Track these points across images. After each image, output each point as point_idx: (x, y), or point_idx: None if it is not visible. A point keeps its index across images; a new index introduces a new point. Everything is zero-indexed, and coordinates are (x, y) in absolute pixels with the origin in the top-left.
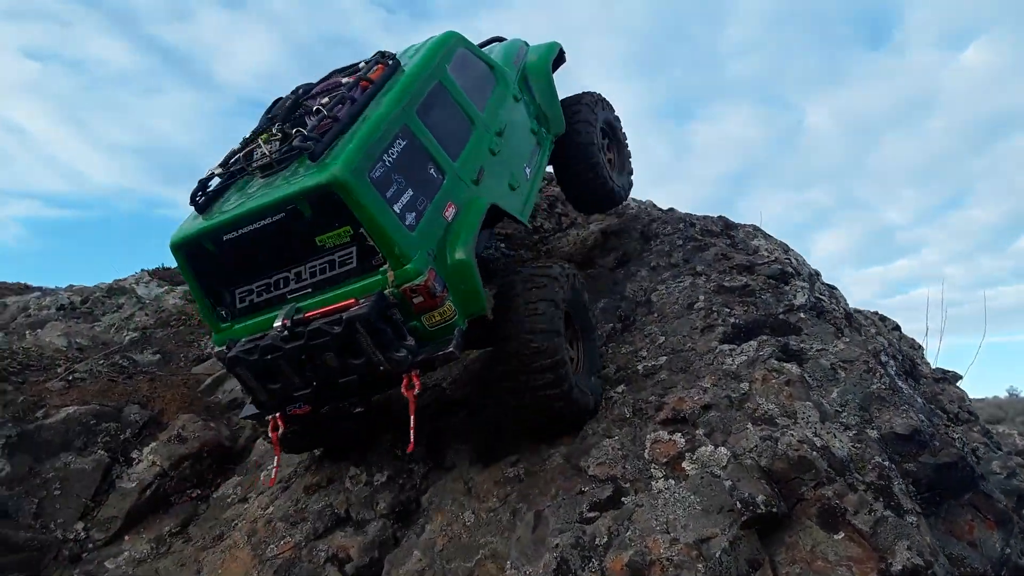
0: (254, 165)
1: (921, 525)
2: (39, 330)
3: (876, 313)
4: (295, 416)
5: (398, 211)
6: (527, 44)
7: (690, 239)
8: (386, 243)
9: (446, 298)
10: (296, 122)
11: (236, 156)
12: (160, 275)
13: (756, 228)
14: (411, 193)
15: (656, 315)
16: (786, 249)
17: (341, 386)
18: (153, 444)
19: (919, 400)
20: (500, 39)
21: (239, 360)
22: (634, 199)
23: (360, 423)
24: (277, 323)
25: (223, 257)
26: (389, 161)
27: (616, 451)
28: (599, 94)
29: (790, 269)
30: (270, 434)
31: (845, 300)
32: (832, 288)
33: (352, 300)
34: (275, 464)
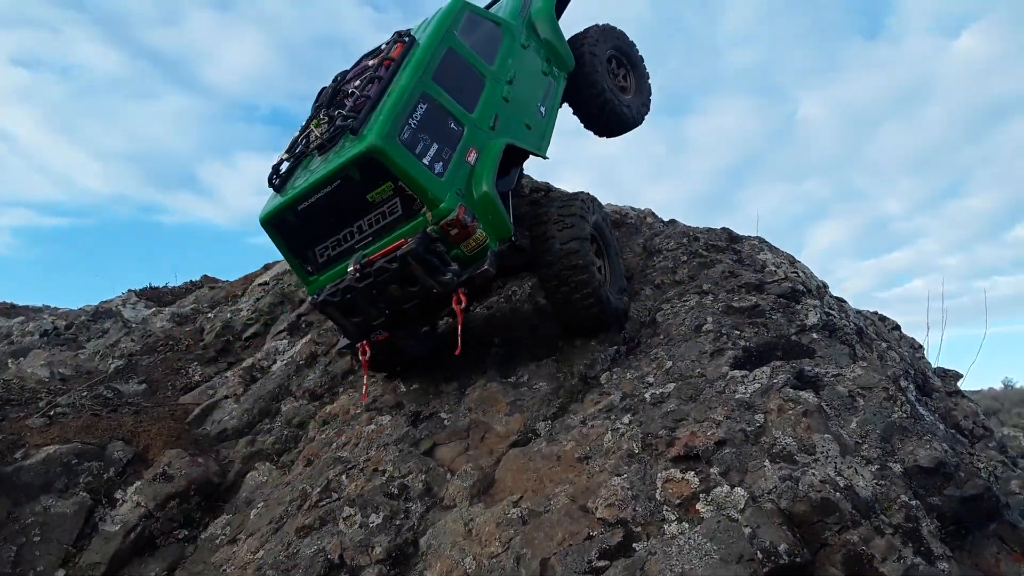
0: (311, 146)
1: (952, 572)
2: (22, 359)
3: (875, 313)
4: (378, 342)
5: (427, 163)
6: None
7: (695, 255)
8: (420, 190)
9: (477, 226)
10: (338, 105)
11: (296, 141)
12: (148, 295)
13: (761, 240)
14: (436, 146)
15: (662, 337)
16: (793, 261)
17: (406, 311)
18: (138, 483)
19: (941, 427)
20: None
21: (326, 303)
22: (631, 207)
23: (427, 343)
24: (350, 268)
25: (301, 224)
26: (414, 123)
27: (625, 491)
28: (607, 24)
29: (800, 287)
30: (360, 358)
31: (853, 312)
32: (841, 302)
33: (403, 240)
34: (364, 383)
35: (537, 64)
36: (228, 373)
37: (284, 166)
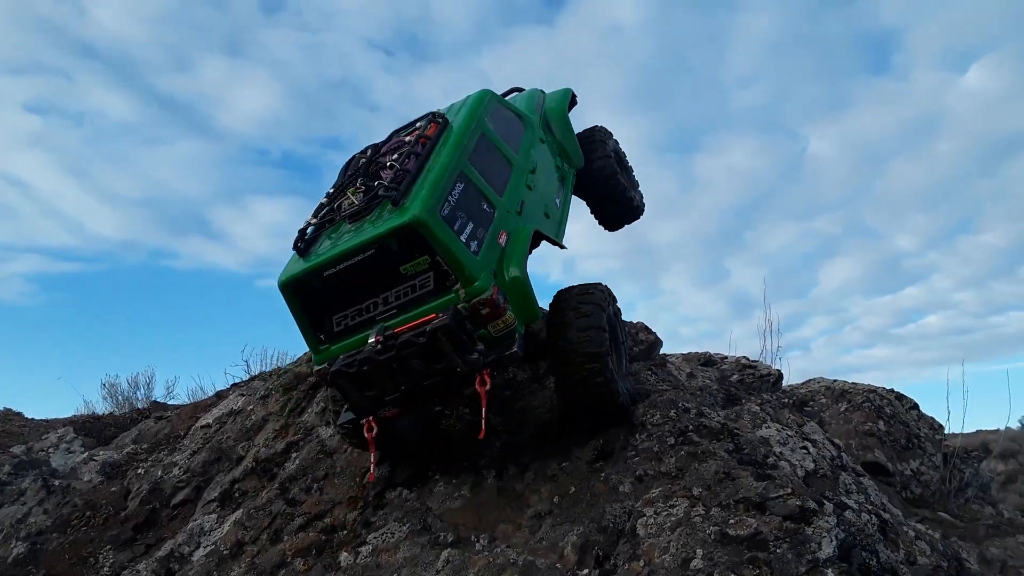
0: (344, 213)
1: None
2: None
3: (892, 391)
4: (385, 419)
5: (464, 240)
6: (543, 92)
7: (684, 438)
8: (458, 266)
9: (508, 308)
10: (373, 176)
11: (326, 208)
12: (88, 428)
13: (762, 406)
14: (472, 225)
15: (643, 564)
16: (803, 434)
17: (424, 388)
18: None
19: None
20: (519, 89)
21: (340, 373)
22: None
23: (432, 430)
24: (371, 340)
25: (323, 290)
26: (453, 201)
27: None
28: (604, 127)
29: (811, 504)
30: (366, 435)
31: (884, 501)
32: (863, 485)
33: (433, 315)
34: (372, 461)
35: (552, 158)
36: (141, 566)
37: (310, 231)
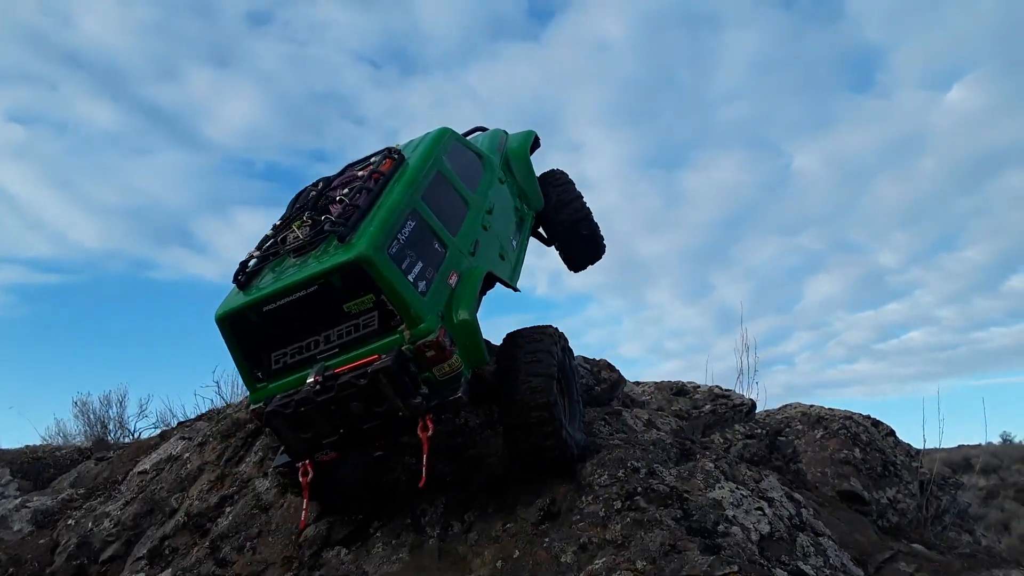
0: (288, 247)
1: None
2: None
3: (868, 417)
4: (322, 463)
5: (412, 280)
6: (507, 133)
7: (631, 503)
8: (403, 307)
9: (454, 352)
10: (322, 210)
11: (270, 240)
12: (26, 470)
13: (717, 462)
14: (421, 264)
15: None
16: (759, 493)
17: (364, 432)
18: None
19: None
20: (482, 128)
21: (276, 413)
22: (584, 360)
23: (374, 478)
24: (310, 379)
25: (263, 326)
26: (402, 239)
27: None
28: (563, 170)
29: None
30: (300, 479)
31: (846, 562)
32: (821, 546)
33: (375, 356)
34: (304, 507)
35: (511, 200)
36: None
37: (252, 263)
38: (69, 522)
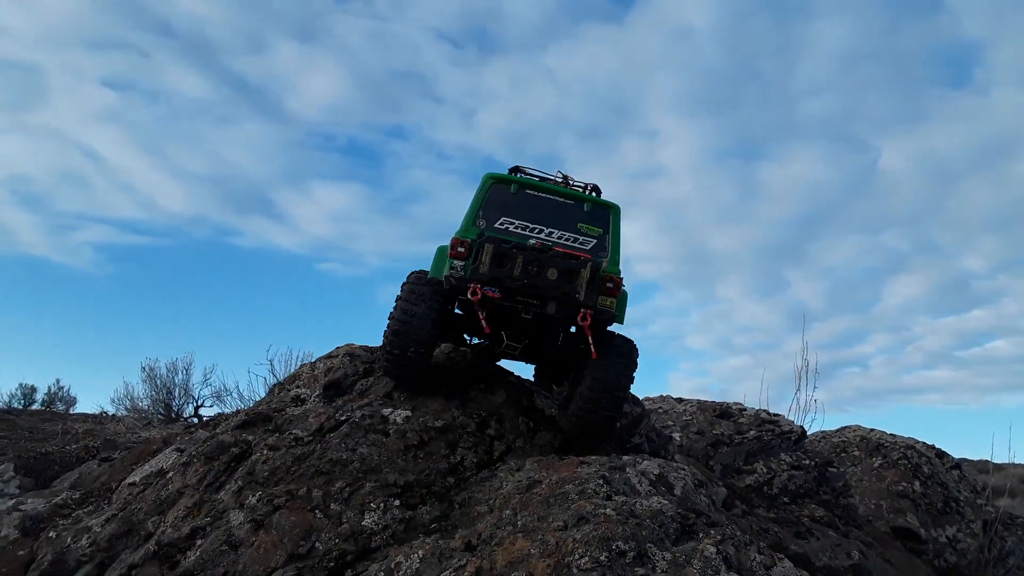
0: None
1: None
2: None
3: (933, 448)
4: (485, 297)
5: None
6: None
7: None
8: (615, 250)
9: (618, 294)
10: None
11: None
12: (30, 466)
13: (722, 544)
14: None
15: None
16: None
17: (536, 293)
18: None
19: None
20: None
21: (493, 239)
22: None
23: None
24: (532, 241)
25: (513, 200)
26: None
27: None
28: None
29: None
30: (471, 296)
31: None
32: None
33: (587, 255)
34: (482, 317)
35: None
36: None
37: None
38: (51, 534)
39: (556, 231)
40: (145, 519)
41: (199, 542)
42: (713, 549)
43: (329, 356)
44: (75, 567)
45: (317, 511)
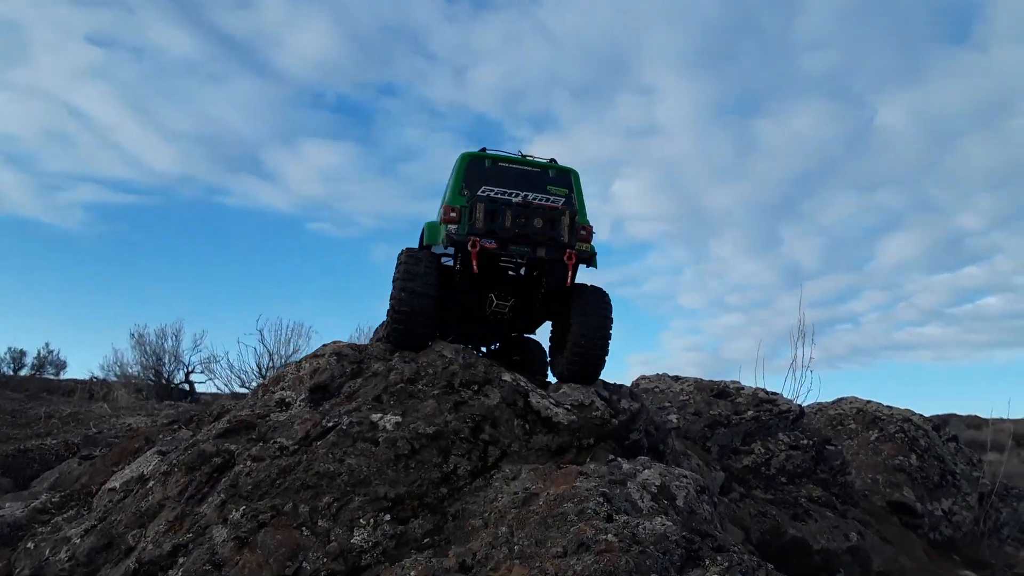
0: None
1: None
2: None
3: (929, 420)
4: (483, 248)
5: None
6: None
7: None
8: (581, 204)
9: (590, 239)
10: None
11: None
12: (8, 465)
13: (728, 573)
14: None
15: None
16: None
17: (528, 240)
18: None
19: None
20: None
21: (483, 199)
22: (603, 385)
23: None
24: (517, 198)
25: (489, 171)
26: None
27: None
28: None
29: None
30: (470, 249)
31: None
32: None
33: (565, 207)
34: (474, 261)
35: None
36: None
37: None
38: (29, 545)
39: (531, 194)
40: (125, 532)
41: (181, 560)
42: None
43: (315, 355)
44: None
45: (304, 528)
